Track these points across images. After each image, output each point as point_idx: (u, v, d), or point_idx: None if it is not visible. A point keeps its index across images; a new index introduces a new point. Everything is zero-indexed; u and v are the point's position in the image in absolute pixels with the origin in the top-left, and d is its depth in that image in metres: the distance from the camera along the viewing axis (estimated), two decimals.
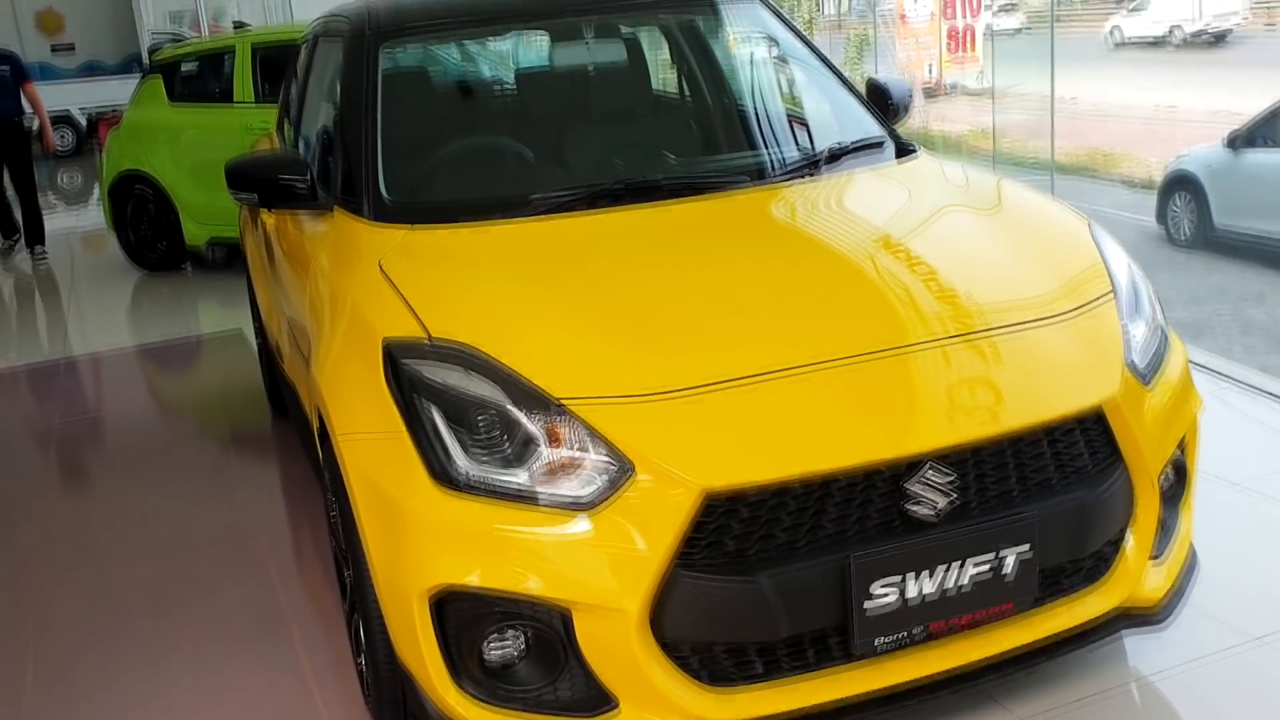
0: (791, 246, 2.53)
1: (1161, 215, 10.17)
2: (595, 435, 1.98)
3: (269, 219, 3.56)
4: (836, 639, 2.01)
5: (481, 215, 2.64)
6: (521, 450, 2.02)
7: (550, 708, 2.02)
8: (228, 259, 8.04)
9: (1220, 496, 3.15)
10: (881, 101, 3.22)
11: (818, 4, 19.86)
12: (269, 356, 4.33)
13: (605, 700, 1.99)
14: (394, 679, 2.19)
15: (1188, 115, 14.23)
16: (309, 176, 2.83)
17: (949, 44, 16.96)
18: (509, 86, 3.43)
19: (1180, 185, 9.97)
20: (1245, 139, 9.24)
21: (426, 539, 2.02)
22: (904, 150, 3.00)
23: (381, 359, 2.17)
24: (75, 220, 11.88)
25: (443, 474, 2.02)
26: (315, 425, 2.63)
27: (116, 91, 17.17)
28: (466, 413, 2.05)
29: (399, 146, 2.89)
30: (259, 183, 2.84)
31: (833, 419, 1.99)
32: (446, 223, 2.64)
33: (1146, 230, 10.08)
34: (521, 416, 2.03)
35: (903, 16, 16.68)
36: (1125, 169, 13.46)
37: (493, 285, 2.35)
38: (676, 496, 1.91)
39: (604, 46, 3.30)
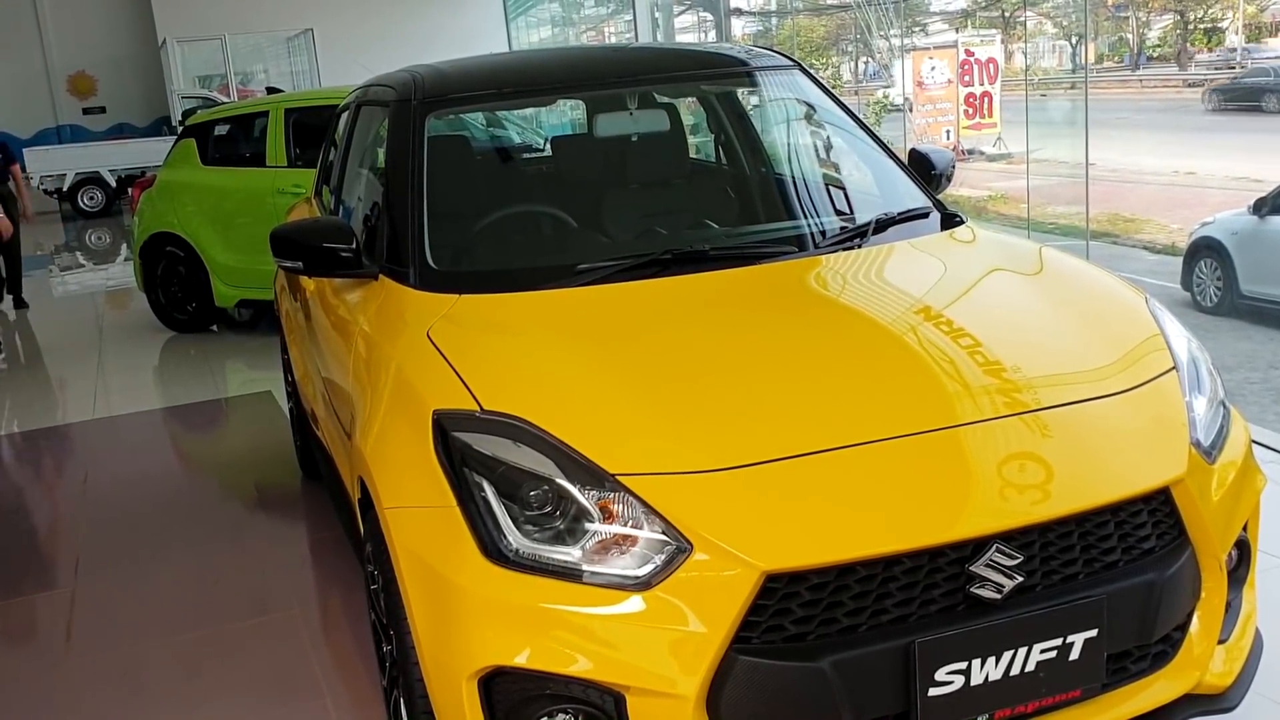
0: (845, 318, 2.49)
1: (1187, 281, 10.14)
2: (651, 512, 1.93)
3: (309, 284, 3.56)
4: None
5: (529, 284, 2.62)
6: (574, 526, 1.97)
7: None
8: (254, 318, 8.08)
9: (1274, 573, 3.07)
10: (924, 171, 3.20)
11: (836, 71, 20.12)
12: (302, 420, 4.31)
13: None
14: None
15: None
16: (355, 243, 2.83)
17: (966, 110, 17.15)
18: (552, 154, 3.43)
19: (1205, 251, 9.95)
20: (1271, 205, 9.23)
21: (476, 617, 1.96)
22: (949, 219, 2.98)
23: (431, 430, 2.14)
24: (103, 279, 11.99)
25: (493, 550, 1.97)
26: (356, 494, 2.59)
27: (145, 153, 17.53)
28: (518, 487, 2.01)
29: (445, 214, 2.89)
30: (305, 249, 2.83)
31: (896, 498, 1.94)
32: (494, 291, 2.62)
33: (1171, 295, 10.04)
34: (575, 491, 1.98)
35: (920, 82, 16.87)
36: (1148, 234, 13.49)
37: (544, 356, 2.32)
38: (736, 577, 1.85)
39: (646, 115, 3.31)
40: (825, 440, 2.01)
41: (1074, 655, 1.97)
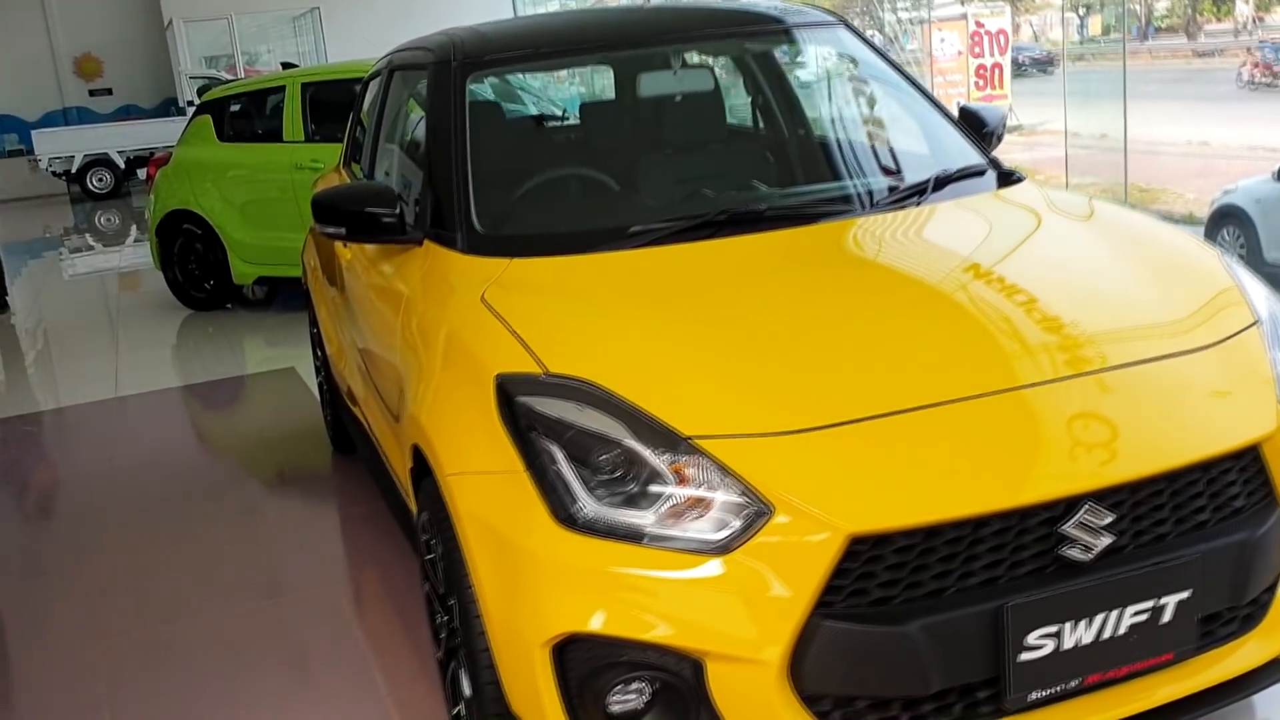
0: (910, 276, 2.42)
1: None
2: (728, 474, 1.87)
3: (344, 254, 3.49)
4: (986, 692, 1.88)
5: (582, 246, 2.55)
6: (646, 490, 1.91)
7: None
8: (269, 296, 8.02)
9: None
10: (975, 128, 3.12)
11: None
12: (333, 395, 4.25)
13: None
14: None
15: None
16: (399, 208, 2.75)
17: (977, 81, 17.03)
18: (595, 115, 3.35)
19: (1228, 219, 9.82)
20: None
21: (549, 583, 1.91)
22: (1005, 177, 2.90)
23: (494, 395, 2.07)
24: (115, 260, 11.92)
25: (565, 515, 1.91)
26: (408, 464, 2.53)
27: (153, 134, 17.43)
28: (589, 450, 1.95)
29: (490, 177, 2.82)
30: (348, 215, 2.76)
31: (983, 457, 1.88)
32: (546, 254, 2.55)
33: None
34: (647, 454, 1.92)
35: (930, 53, 16.74)
36: (1164, 203, 13.38)
37: (604, 318, 2.25)
38: (819, 540, 1.79)
39: (690, 74, 3.22)
40: (907, 400, 1.94)
41: (1166, 618, 1.91)
